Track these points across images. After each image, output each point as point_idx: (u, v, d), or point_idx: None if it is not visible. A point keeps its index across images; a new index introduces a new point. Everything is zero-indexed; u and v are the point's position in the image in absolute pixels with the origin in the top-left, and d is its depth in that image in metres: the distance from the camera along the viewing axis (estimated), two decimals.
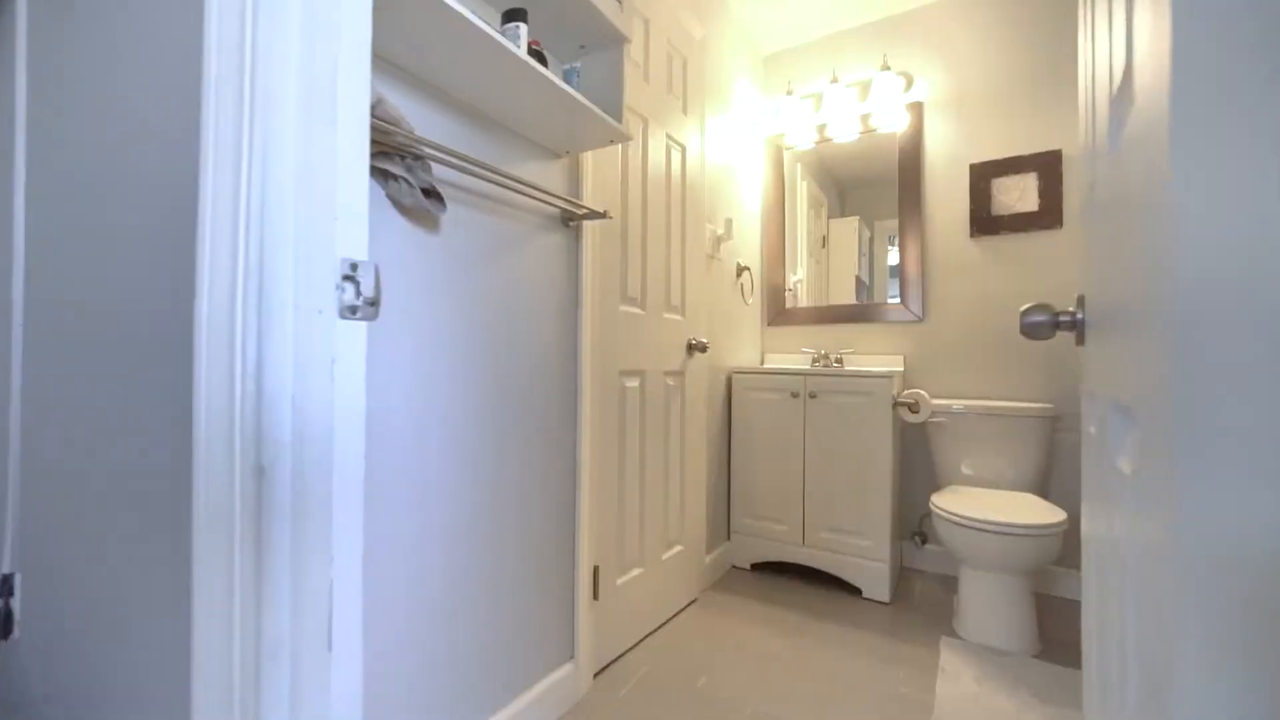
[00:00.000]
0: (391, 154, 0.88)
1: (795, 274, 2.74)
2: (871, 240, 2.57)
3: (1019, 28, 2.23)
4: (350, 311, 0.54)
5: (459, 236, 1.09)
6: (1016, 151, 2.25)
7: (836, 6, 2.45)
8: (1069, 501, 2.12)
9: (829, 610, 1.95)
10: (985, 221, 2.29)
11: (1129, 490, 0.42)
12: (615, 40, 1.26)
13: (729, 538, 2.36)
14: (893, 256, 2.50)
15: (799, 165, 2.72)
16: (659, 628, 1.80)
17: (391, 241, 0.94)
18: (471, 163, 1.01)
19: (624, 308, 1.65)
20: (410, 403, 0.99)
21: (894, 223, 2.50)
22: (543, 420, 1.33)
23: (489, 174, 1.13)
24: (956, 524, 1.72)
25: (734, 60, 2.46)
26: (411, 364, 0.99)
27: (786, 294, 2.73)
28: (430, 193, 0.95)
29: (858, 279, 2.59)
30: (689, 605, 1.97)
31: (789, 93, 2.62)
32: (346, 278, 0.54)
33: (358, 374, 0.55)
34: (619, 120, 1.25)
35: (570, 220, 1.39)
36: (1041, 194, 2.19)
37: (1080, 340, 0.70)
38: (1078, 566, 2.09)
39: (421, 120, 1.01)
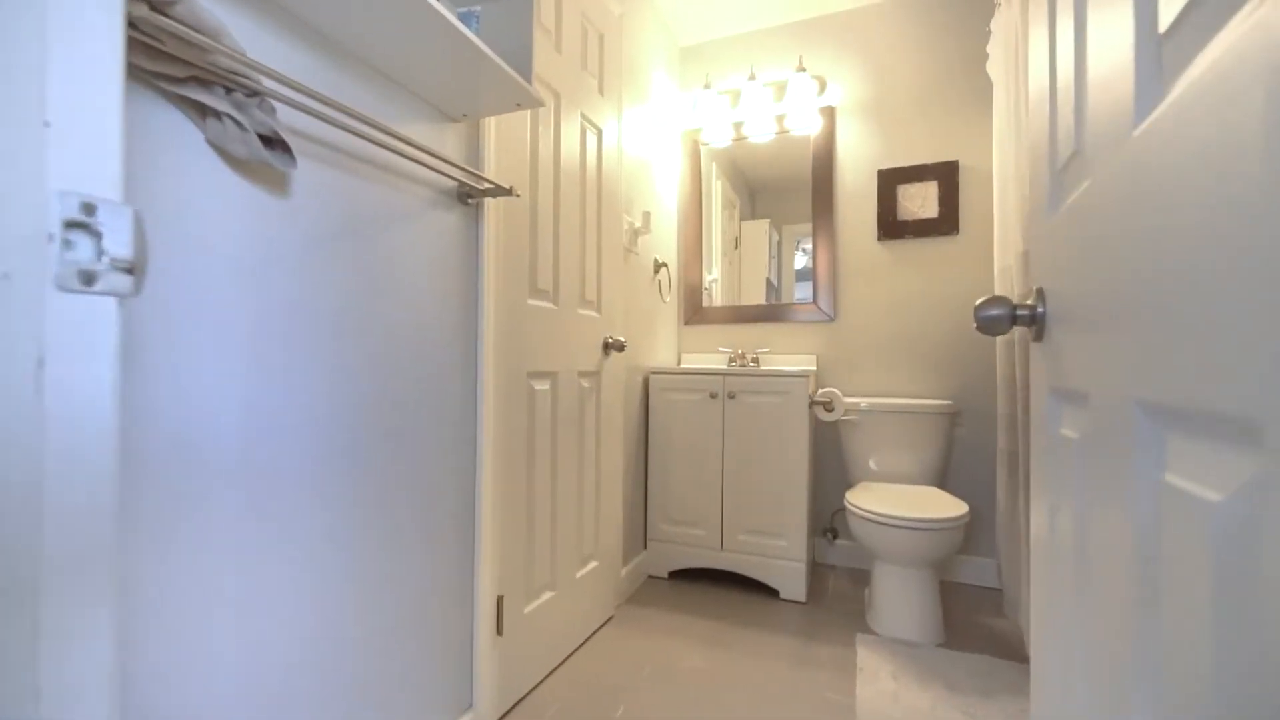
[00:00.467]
0: (211, 82, 0.65)
1: (711, 273, 2.70)
2: (780, 244, 2.58)
3: (926, 41, 2.32)
4: (82, 280, 0.34)
5: (317, 204, 0.87)
6: (920, 160, 2.33)
7: (755, 4, 2.42)
8: (965, 492, 2.23)
9: (749, 616, 1.89)
10: (892, 226, 2.36)
11: (1172, 498, 0.34)
12: None
13: (645, 546, 2.25)
14: (800, 260, 2.52)
15: (714, 164, 2.68)
16: (573, 653, 1.64)
17: (215, 205, 0.71)
18: (337, 109, 0.80)
19: (533, 301, 1.47)
20: (246, 419, 0.76)
21: (802, 228, 2.52)
22: (433, 432, 1.13)
23: (362, 126, 0.92)
24: (871, 520, 1.72)
25: (652, 49, 2.36)
26: (251, 368, 0.76)
27: (703, 292, 2.68)
28: (273, 142, 0.73)
29: (768, 281, 2.60)
30: (605, 624, 1.83)
31: (707, 86, 2.56)
32: (74, 224, 0.34)
33: (102, 381, 0.35)
34: (528, 81, 1.08)
35: (469, 196, 1.20)
36: (941, 202, 2.29)
37: (1039, 336, 0.64)
38: (973, 553, 2.20)
39: (265, 50, 0.78)
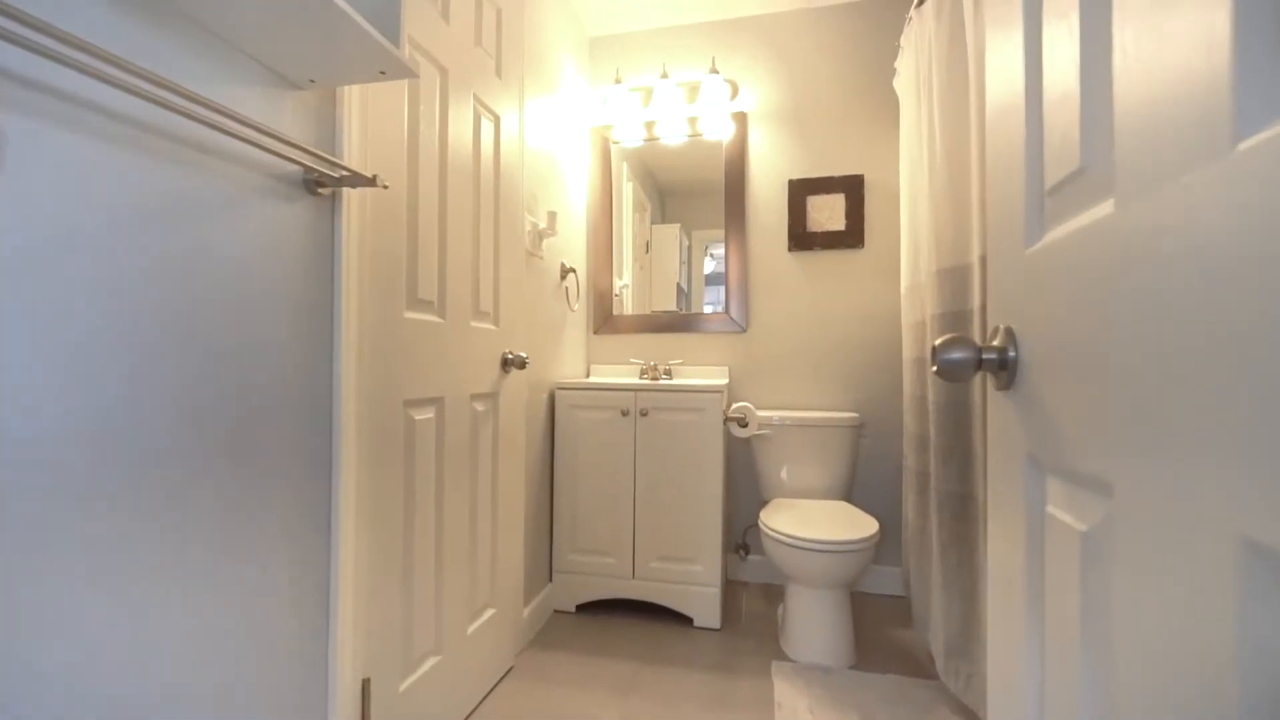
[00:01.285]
0: None
1: (622, 278, 2.56)
2: (690, 249, 2.51)
3: (837, 53, 2.33)
4: None
5: (65, 187, 0.60)
6: (828, 172, 2.34)
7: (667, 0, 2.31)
8: (871, 503, 2.27)
9: (662, 651, 1.77)
10: (802, 237, 2.35)
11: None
12: None
13: (551, 578, 2.06)
14: (709, 265, 2.46)
15: (625, 164, 2.54)
16: None
17: None
18: (92, 54, 0.55)
19: (413, 314, 1.23)
20: None
21: (712, 233, 2.47)
22: (267, 488, 0.87)
23: (137, 82, 0.66)
24: (786, 544, 1.66)
25: (559, 36, 2.16)
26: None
27: (614, 299, 2.53)
28: None
29: (679, 286, 2.52)
30: (504, 678, 1.61)
31: (618, 81, 2.41)
32: None
33: None
34: (396, 44, 0.86)
35: (319, 185, 0.95)
36: (848, 214, 2.31)
37: (1006, 384, 0.54)
38: (878, 562, 2.23)
39: None
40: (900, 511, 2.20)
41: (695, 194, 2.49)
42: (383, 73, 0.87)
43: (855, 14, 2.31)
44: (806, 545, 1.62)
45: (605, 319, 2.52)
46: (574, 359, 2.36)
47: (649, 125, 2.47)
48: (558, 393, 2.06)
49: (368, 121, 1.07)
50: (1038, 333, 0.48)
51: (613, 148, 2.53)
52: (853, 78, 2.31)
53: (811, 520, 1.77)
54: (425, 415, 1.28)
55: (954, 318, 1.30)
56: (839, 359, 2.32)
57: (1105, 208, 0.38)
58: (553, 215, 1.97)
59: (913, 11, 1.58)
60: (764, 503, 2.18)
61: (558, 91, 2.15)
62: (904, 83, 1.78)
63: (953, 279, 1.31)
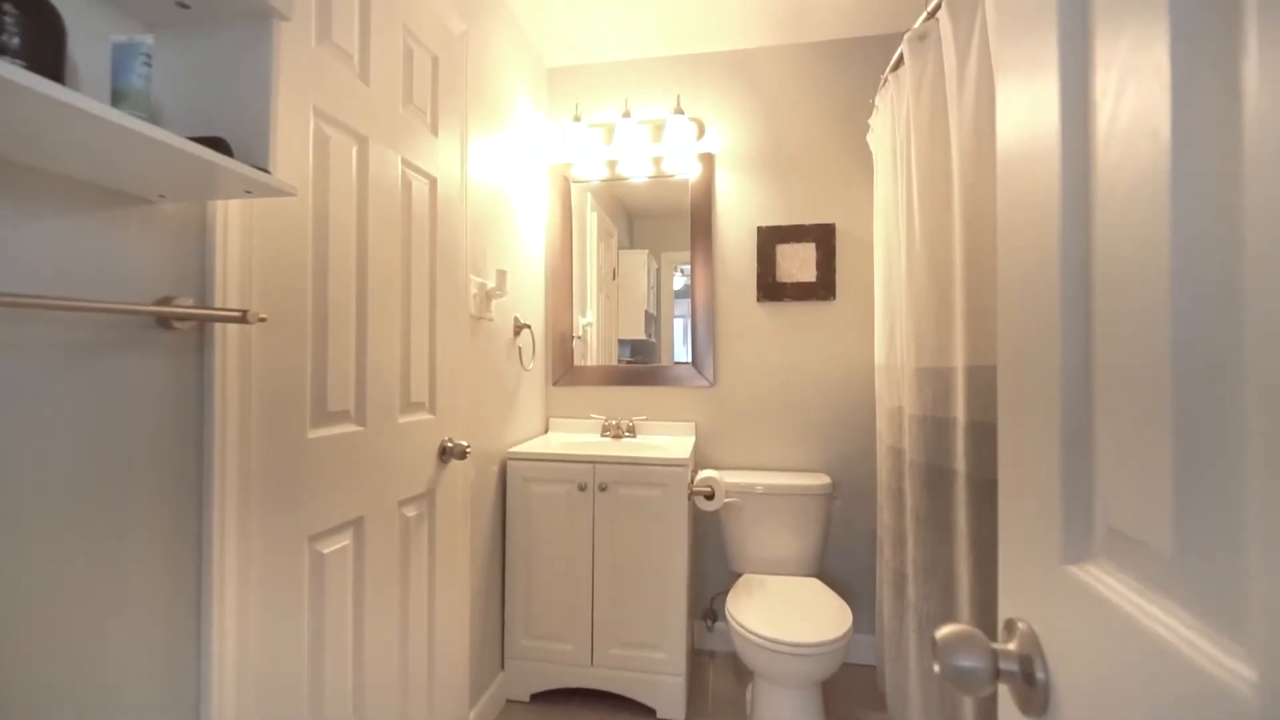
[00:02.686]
0: None
1: (585, 316, 2.41)
2: (659, 271, 2.40)
3: (809, 95, 2.21)
4: None
5: None
6: (799, 219, 2.23)
7: (630, 31, 2.15)
8: (843, 571, 2.17)
9: None
10: (771, 288, 2.23)
11: None
12: (253, 10, 0.69)
13: (504, 666, 1.89)
14: (679, 281, 2.36)
15: (590, 195, 2.39)
16: None
17: None
18: None
19: (320, 432, 1.06)
20: None
21: (681, 255, 2.34)
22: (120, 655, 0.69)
23: None
24: (754, 643, 1.54)
25: (512, 71, 1.99)
26: None
27: (575, 341, 2.38)
28: None
29: (646, 314, 2.41)
30: None
31: (577, 119, 2.25)
32: None
33: None
34: (264, 161, 0.69)
35: (175, 319, 0.77)
36: (819, 265, 2.20)
37: (1039, 710, 0.41)
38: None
39: None
40: (874, 572, 2.09)
41: (665, 216, 2.37)
42: (248, 192, 0.70)
43: (828, 53, 2.19)
44: (775, 647, 1.50)
45: (565, 369, 2.37)
46: (530, 417, 2.20)
47: (611, 164, 2.32)
48: (509, 464, 1.89)
49: (251, 219, 0.89)
50: (1082, 658, 0.35)
51: (573, 186, 2.37)
52: (825, 121, 2.20)
53: (780, 611, 1.65)
54: (338, 545, 1.10)
55: (934, 424, 1.19)
56: (810, 415, 2.21)
57: None
58: (502, 274, 1.80)
59: (888, 74, 1.47)
60: (732, 574, 2.06)
61: (511, 128, 1.98)
62: (878, 141, 1.66)
63: (934, 381, 1.20)
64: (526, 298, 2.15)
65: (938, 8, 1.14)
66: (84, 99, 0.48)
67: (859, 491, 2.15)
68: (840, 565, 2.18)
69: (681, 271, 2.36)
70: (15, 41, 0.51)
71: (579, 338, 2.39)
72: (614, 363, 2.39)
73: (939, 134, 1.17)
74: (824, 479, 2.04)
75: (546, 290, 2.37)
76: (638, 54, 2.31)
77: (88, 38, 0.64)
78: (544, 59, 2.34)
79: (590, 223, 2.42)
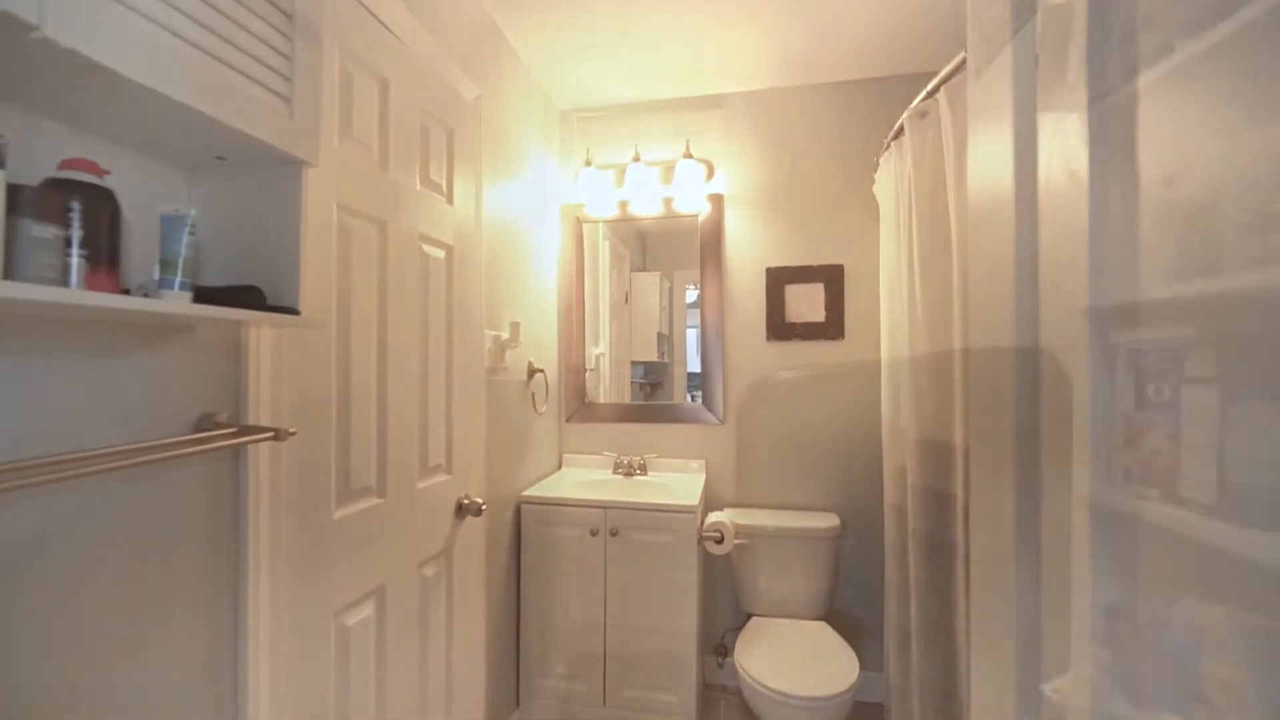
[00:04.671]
0: None
1: (597, 347, 2.47)
2: (671, 290, 2.45)
3: (817, 135, 2.23)
4: None
5: None
6: (807, 260, 2.25)
7: (641, 75, 2.19)
8: (853, 606, 2.18)
9: None
10: (781, 327, 2.26)
11: None
12: (283, 160, 0.74)
13: (519, 704, 1.95)
14: (690, 295, 2.40)
15: (601, 225, 2.44)
16: None
17: None
18: None
19: (345, 510, 1.12)
20: None
21: (693, 273, 2.37)
22: None
23: None
24: (761, 693, 1.57)
25: (524, 118, 2.04)
26: None
27: (587, 374, 2.43)
28: None
29: (659, 335, 2.46)
30: None
31: (588, 163, 2.30)
32: None
33: None
34: (294, 299, 0.75)
35: (221, 438, 0.83)
36: (828, 306, 2.22)
37: None
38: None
39: None
40: (883, 605, 2.10)
41: (676, 235, 2.41)
42: (280, 324, 0.76)
43: (838, 95, 2.21)
44: (783, 700, 1.53)
45: (578, 406, 2.42)
46: (544, 455, 2.25)
47: (622, 205, 2.37)
48: (524, 507, 1.95)
49: (282, 331, 0.95)
50: None
51: (585, 226, 2.42)
52: (834, 161, 2.22)
53: (788, 660, 1.68)
54: (362, 615, 1.16)
55: (936, 497, 1.21)
56: (819, 453, 2.23)
57: None
58: (516, 325, 1.85)
59: (890, 140, 1.49)
60: (743, 614, 2.09)
61: (524, 173, 2.03)
62: (883, 195, 1.68)
63: (934, 455, 1.22)
64: (539, 340, 2.20)
65: (936, 89, 1.17)
66: (141, 302, 0.54)
67: (869, 525, 2.17)
68: (850, 600, 2.19)
69: (694, 285, 2.40)
70: (80, 235, 0.57)
71: (591, 370, 2.44)
72: (626, 391, 2.44)
73: (939, 211, 1.19)
74: (833, 519, 2.06)
75: (559, 328, 2.42)
76: (647, 95, 2.35)
77: (133, 192, 0.70)
78: (555, 101, 2.39)
79: (602, 251, 2.47)
